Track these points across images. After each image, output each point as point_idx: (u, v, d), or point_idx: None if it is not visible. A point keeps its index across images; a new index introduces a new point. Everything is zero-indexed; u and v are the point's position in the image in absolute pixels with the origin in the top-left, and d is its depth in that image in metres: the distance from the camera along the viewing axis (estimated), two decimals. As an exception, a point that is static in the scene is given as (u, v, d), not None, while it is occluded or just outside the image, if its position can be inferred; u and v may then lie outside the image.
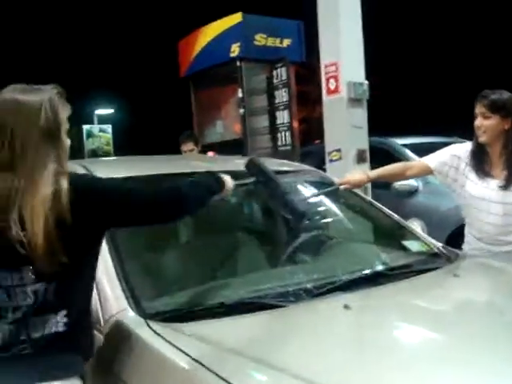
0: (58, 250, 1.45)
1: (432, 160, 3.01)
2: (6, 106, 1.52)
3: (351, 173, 3.05)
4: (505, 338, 1.74)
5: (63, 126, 1.59)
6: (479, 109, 2.85)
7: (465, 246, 3.02)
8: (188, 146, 5.37)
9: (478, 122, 2.84)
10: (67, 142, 1.62)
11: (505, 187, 2.80)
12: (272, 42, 6.78)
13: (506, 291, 2.31)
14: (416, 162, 3.17)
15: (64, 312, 1.54)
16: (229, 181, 1.97)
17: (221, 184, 1.92)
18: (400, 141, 6.68)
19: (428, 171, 3.04)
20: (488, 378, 1.51)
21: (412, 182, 5.72)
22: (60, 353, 1.54)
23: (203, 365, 1.53)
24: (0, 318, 1.51)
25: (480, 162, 2.88)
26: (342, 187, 2.82)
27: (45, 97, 1.54)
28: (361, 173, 2.95)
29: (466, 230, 3.04)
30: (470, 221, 2.98)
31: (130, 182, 2.11)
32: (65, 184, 1.48)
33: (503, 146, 2.84)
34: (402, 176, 3.19)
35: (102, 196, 1.57)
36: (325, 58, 5.33)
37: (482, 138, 2.84)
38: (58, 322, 1.53)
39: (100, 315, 1.85)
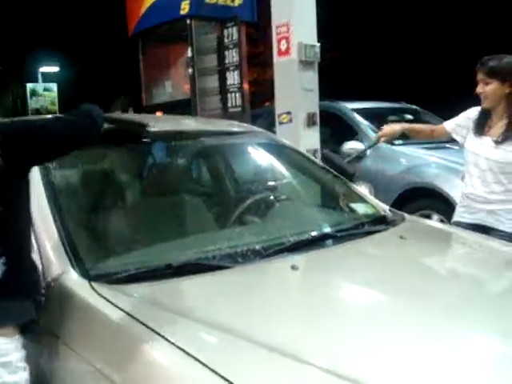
0: None
1: (449, 123, 3.27)
2: None
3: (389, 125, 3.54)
4: (449, 298, 1.79)
5: None
6: (479, 75, 2.99)
7: (458, 203, 3.23)
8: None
9: (480, 88, 3.00)
10: None
11: (496, 143, 2.94)
12: (223, 0, 6.63)
13: (450, 253, 2.37)
14: (439, 125, 3.43)
15: (2, 259, 1.55)
16: None
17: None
18: (350, 105, 6.72)
19: (446, 133, 3.31)
20: (430, 334, 1.54)
21: (360, 146, 5.78)
22: (2, 300, 1.54)
23: (148, 327, 1.51)
24: None
25: (482, 121, 3.06)
26: (382, 139, 3.42)
27: None
28: (396, 124, 3.50)
29: (462, 188, 3.22)
30: (465, 176, 3.15)
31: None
32: None
33: (506, 109, 2.97)
34: (429, 135, 3.51)
35: (24, 134, 1.64)
36: (276, 19, 5.25)
37: (485, 104, 3.00)
38: None
39: (43, 278, 1.79)
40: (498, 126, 2.98)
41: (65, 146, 1.73)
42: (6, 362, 1.53)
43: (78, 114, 1.78)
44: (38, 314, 1.67)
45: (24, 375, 1.56)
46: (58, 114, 1.89)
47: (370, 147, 3.41)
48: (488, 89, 2.95)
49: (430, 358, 1.43)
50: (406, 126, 3.46)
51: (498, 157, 2.91)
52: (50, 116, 1.82)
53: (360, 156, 6.07)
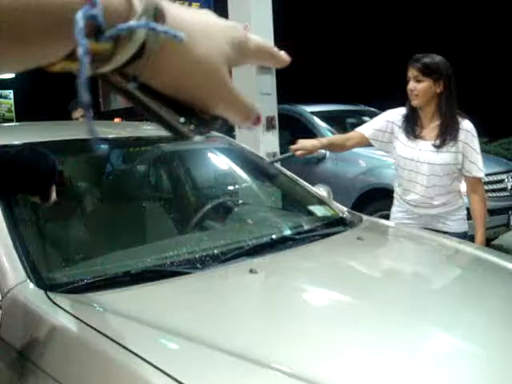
0: None
1: (367, 129, 3.08)
2: None
3: (305, 140, 3.14)
4: (405, 299, 1.82)
5: None
6: (412, 72, 2.88)
7: (393, 209, 3.11)
8: (80, 112, 5.28)
9: (411, 85, 2.88)
10: None
11: (432, 147, 2.87)
12: (180, 4, 6.62)
13: (407, 254, 2.42)
14: (353, 132, 3.20)
15: None
16: None
17: None
18: (308, 108, 6.79)
19: (365, 140, 3.09)
20: (387, 334, 1.57)
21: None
22: None
23: (108, 336, 1.49)
24: None
25: (411, 124, 2.94)
26: (297, 153, 2.94)
27: None
28: (314, 140, 3.13)
29: (396, 193, 3.11)
30: (400, 182, 3.04)
31: None
32: None
33: (436, 109, 2.88)
34: (343, 147, 3.20)
35: None
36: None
37: (415, 102, 2.88)
38: None
39: (-2, 289, 1.76)
40: (431, 128, 2.91)
41: None
42: None
43: None
44: None
45: None
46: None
47: (284, 158, 3.21)
48: (421, 86, 2.84)
49: (388, 358, 1.45)
50: (324, 141, 3.17)
51: (441, 160, 2.85)
52: None
53: (319, 158, 6.14)
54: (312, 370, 1.37)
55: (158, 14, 0.49)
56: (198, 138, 0.57)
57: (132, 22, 0.47)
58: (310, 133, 6.38)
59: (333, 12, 15.21)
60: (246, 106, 0.58)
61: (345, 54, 15.51)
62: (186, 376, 1.32)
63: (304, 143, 2.99)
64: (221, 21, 0.56)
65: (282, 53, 0.65)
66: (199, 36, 0.52)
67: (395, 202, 3.11)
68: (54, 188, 1.75)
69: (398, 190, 3.09)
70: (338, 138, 3.35)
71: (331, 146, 3.30)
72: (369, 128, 3.08)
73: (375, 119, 3.12)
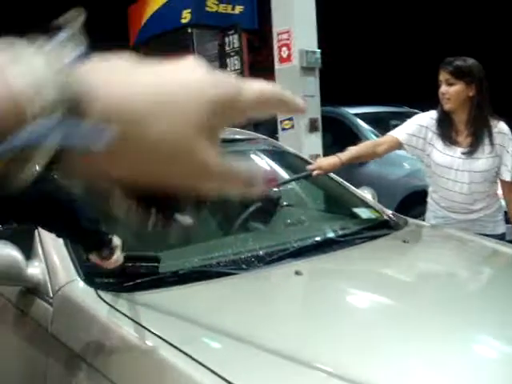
0: None
1: (400, 133, 2.96)
2: None
3: (324, 158, 2.98)
4: (452, 303, 1.80)
5: None
6: (443, 76, 2.80)
7: (428, 215, 3.02)
8: None
9: (443, 89, 2.79)
10: None
11: (469, 154, 2.77)
12: (224, 8, 6.68)
13: (453, 257, 2.38)
14: (384, 137, 3.07)
15: None
16: None
17: None
18: (352, 110, 6.74)
19: (397, 145, 2.97)
20: (433, 341, 1.56)
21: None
22: None
23: (155, 334, 1.52)
24: None
25: (446, 129, 2.84)
26: (314, 173, 2.76)
27: None
28: (333, 157, 2.85)
29: (430, 199, 3.01)
30: (435, 189, 2.95)
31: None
32: None
33: (468, 113, 2.79)
34: (373, 154, 3.05)
35: None
36: (277, 26, 5.29)
37: (447, 106, 2.79)
38: None
39: (49, 286, 1.81)
40: (466, 134, 2.81)
41: None
42: None
43: None
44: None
45: None
46: None
47: (300, 178, 2.94)
48: (453, 90, 2.74)
49: (435, 362, 1.44)
50: (343, 157, 2.86)
51: (481, 167, 2.76)
52: None
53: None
54: (356, 371, 1.37)
55: (74, 111, 0.35)
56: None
57: (19, 136, 0.34)
58: (353, 135, 6.33)
59: (376, 14, 15.09)
60: (243, 176, 0.45)
61: (388, 55, 15.37)
62: (232, 375, 1.33)
63: (321, 163, 2.84)
64: (196, 75, 0.42)
65: (298, 99, 0.50)
66: (156, 111, 0.39)
67: (429, 207, 3.01)
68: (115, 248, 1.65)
69: (433, 197, 2.97)
70: (364, 147, 3.09)
71: (357, 160, 3.10)
72: (402, 132, 2.95)
73: (407, 123, 2.98)
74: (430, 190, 3.03)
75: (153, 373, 1.46)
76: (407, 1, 14.38)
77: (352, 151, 2.92)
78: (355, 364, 1.42)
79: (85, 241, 1.69)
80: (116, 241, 1.68)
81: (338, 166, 2.80)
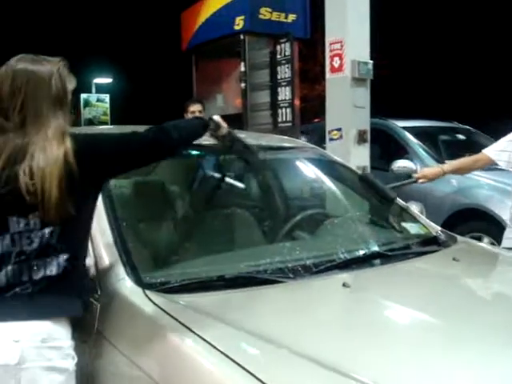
0: (67, 203, 1.57)
1: (491, 150, 3.20)
2: (19, 75, 1.65)
3: (428, 168, 3.48)
4: (503, 323, 1.75)
5: (69, 94, 1.74)
6: None
7: (507, 233, 3.11)
8: (196, 107, 5.25)
9: None
10: (69, 107, 1.75)
11: None
12: (277, 16, 6.68)
13: (505, 276, 2.32)
14: (480, 154, 3.31)
15: (65, 256, 1.62)
16: (221, 122, 2.19)
17: (205, 128, 2.10)
18: (400, 123, 6.66)
19: (490, 161, 3.22)
20: (482, 362, 1.52)
21: (410, 165, 5.72)
22: (58, 294, 1.62)
23: (200, 336, 1.53)
24: (3, 262, 1.59)
25: None
26: (419, 181, 3.18)
27: (54, 68, 1.69)
28: (436, 167, 3.29)
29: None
30: None
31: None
32: (68, 143, 1.62)
33: None
34: (473, 167, 3.40)
35: (101, 148, 1.72)
36: (330, 35, 5.27)
37: None
38: (59, 265, 1.61)
39: (97, 283, 1.84)
40: None
41: (138, 161, 1.81)
42: (58, 346, 1.58)
43: (155, 131, 1.82)
44: (84, 316, 1.71)
45: (72, 364, 1.61)
46: (134, 130, 1.97)
47: (406, 184, 3.41)
48: None
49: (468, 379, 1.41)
50: (446, 168, 3.30)
51: None
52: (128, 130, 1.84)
53: (409, 175, 6.01)
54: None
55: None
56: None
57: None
58: (401, 148, 6.26)
59: (428, 28, 14.92)
60: None
61: (437, 69, 15.17)
62: (273, 381, 1.34)
63: (426, 172, 3.22)
64: None
65: None
66: None
67: (510, 223, 3.12)
68: None
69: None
70: (464, 162, 3.42)
71: (457, 172, 3.47)
72: (492, 149, 3.20)
73: (498, 141, 3.21)
74: (509, 204, 3.25)
75: (194, 374, 1.46)
76: (464, 15, 14.16)
77: (454, 164, 3.35)
78: (395, 379, 1.41)
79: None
80: (216, 118, 2.17)
81: (440, 175, 3.22)
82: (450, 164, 3.35)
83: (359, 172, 3.46)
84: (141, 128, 1.85)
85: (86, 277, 1.78)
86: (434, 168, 3.28)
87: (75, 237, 1.67)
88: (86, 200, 1.69)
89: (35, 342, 1.54)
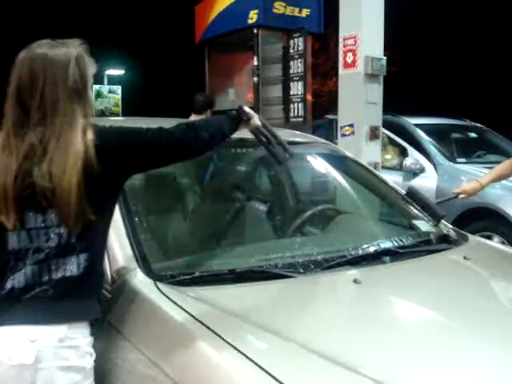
0: (86, 207, 1.53)
1: None
2: (36, 61, 1.58)
3: (467, 183, 3.38)
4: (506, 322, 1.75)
5: (89, 81, 1.66)
6: None
7: None
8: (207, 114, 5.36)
9: None
10: (91, 96, 1.68)
11: None
12: (291, 10, 6.66)
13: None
14: None
15: (85, 255, 1.58)
16: (254, 116, 1.96)
17: (236, 122, 1.91)
18: (413, 120, 6.63)
19: None
20: (493, 360, 1.52)
21: (422, 161, 5.72)
22: (78, 296, 1.58)
23: (210, 328, 1.54)
24: (20, 259, 1.55)
25: None
26: (460, 196, 3.23)
27: (73, 53, 1.62)
28: (474, 181, 3.26)
29: None
30: None
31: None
32: (91, 136, 1.56)
33: None
34: (510, 175, 3.34)
35: (125, 143, 1.64)
36: (344, 31, 5.24)
37: None
38: (79, 265, 1.57)
39: (109, 275, 1.84)
40: None
41: (162, 160, 1.73)
42: (75, 345, 1.56)
43: (183, 129, 1.71)
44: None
45: (90, 361, 1.60)
46: (161, 126, 1.82)
47: (447, 200, 3.45)
48: None
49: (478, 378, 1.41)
50: (483, 181, 3.23)
51: None
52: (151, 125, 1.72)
53: (416, 173, 5.99)
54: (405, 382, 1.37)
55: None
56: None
57: None
58: (413, 145, 6.23)
59: (443, 25, 14.82)
60: None
61: (449, 67, 15.07)
62: (282, 374, 1.35)
63: (465, 187, 3.23)
64: None
65: None
66: None
67: None
68: None
69: None
70: (502, 168, 3.32)
71: (496, 181, 3.42)
72: None
73: None
74: None
75: (204, 366, 1.47)
76: (480, 12, 14.06)
77: (491, 175, 3.30)
78: (403, 375, 1.42)
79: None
80: (247, 109, 1.94)
81: (478, 189, 3.23)
82: (486, 176, 3.31)
83: (371, 168, 3.45)
84: (156, 121, 1.80)
85: (103, 277, 1.75)
86: (472, 183, 3.25)
87: (95, 235, 1.62)
88: (107, 198, 1.65)
89: (52, 341, 1.52)
